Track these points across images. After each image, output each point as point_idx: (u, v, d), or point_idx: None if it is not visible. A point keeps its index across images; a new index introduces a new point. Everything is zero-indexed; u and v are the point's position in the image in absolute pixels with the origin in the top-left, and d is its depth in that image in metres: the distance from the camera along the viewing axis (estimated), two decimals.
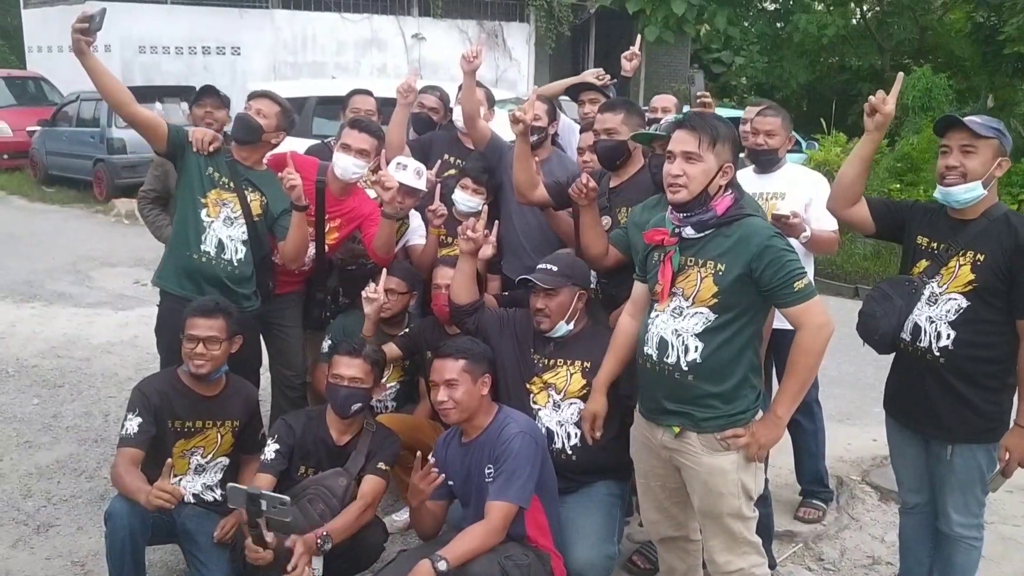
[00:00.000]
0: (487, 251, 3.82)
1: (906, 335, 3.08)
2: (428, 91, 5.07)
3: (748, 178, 4.01)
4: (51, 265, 9.34)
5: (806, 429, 4.15)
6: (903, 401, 3.21)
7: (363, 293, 3.92)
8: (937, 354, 3.01)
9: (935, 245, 3.07)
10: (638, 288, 3.13)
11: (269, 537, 3.02)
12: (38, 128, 14.70)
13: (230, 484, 3.05)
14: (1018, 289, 2.89)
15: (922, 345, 3.04)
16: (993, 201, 3.02)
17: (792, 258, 2.76)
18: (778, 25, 20.26)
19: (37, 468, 4.68)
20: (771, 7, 20.72)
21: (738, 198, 2.85)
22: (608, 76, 4.81)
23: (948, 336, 2.98)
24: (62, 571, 3.77)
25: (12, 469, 4.66)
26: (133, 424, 3.34)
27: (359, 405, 3.46)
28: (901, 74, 3.17)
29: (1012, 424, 3.01)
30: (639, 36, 5.30)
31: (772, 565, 3.47)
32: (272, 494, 2.91)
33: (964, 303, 2.96)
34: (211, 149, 3.87)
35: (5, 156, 15.75)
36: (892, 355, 3.24)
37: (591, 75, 4.75)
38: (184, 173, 3.88)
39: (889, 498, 4.15)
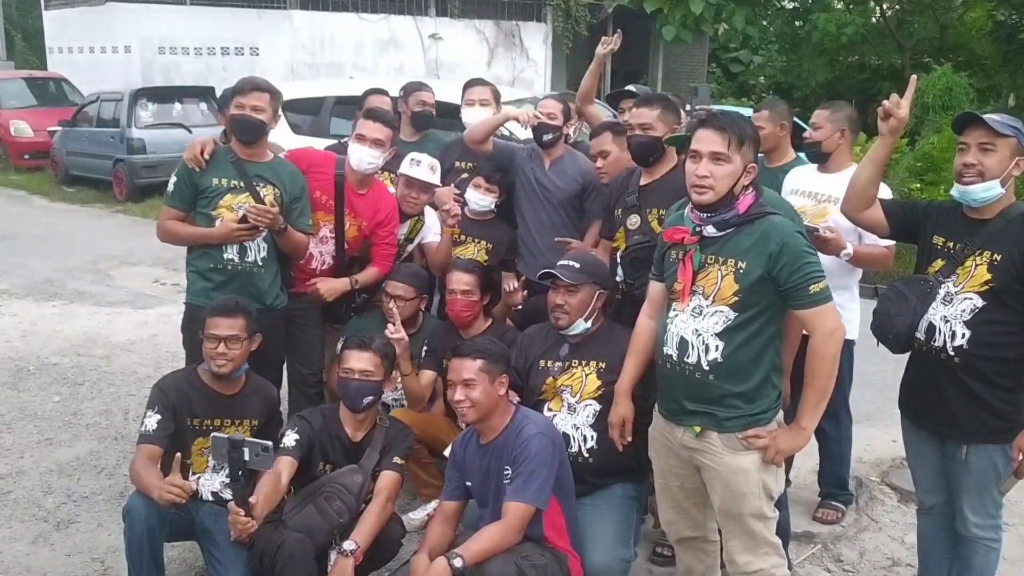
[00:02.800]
0: (516, 299, 4.18)
1: (920, 334, 3.05)
2: (423, 88, 5.09)
3: (809, 176, 3.99)
4: (72, 264, 9.40)
5: (830, 435, 4.12)
6: (918, 401, 3.17)
7: (386, 333, 3.89)
8: (952, 353, 2.97)
9: (951, 245, 3.03)
10: (655, 288, 3.11)
11: (253, 499, 3.02)
12: (59, 128, 14.78)
13: (213, 435, 3.03)
14: None
15: (936, 344, 3.01)
16: (1011, 200, 2.99)
17: (811, 260, 2.73)
18: (797, 24, 20.17)
19: (57, 465, 4.71)
20: (790, 6, 20.64)
21: (759, 195, 2.83)
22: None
23: (963, 336, 2.94)
24: (82, 567, 3.79)
25: (33, 466, 4.69)
26: (152, 421, 3.36)
27: (371, 398, 3.47)
28: (914, 77, 3.14)
29: None
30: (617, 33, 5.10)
31: (789, 566, 3.45)
32: (255, 440, 2.91)
33: (980, 303, 2.92)
34: (206, 157, 3.83)
35: (26, 156, 15.85)
36: (908, 358, 3.21)
37: (602, 50, 4.67)
38: (198, 197, 3.87)
39: (909, 499, 4.12)
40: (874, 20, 19.29)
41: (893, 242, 3.61)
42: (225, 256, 3.83)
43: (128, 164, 13.20)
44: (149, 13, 16.10)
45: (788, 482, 4.16)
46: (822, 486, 4.34)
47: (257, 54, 17.01)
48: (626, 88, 4.72)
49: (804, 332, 2.95)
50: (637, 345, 3.19)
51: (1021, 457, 2.95)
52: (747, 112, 5.08)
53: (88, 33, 17.31)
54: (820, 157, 3.98)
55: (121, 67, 16.26)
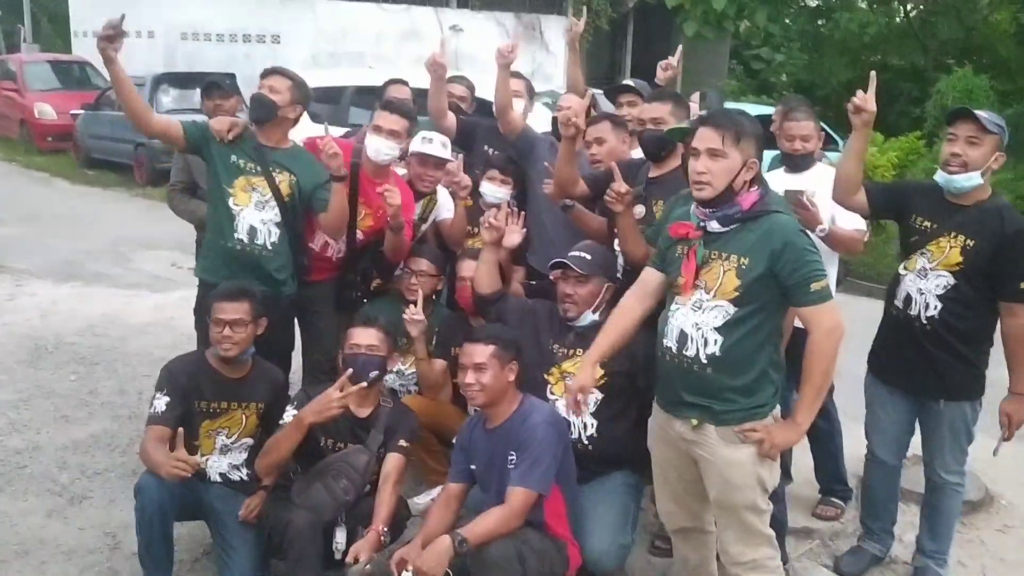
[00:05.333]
0: (514, 239, 3.89)
1: (899, 303, 3.47)
2: (456, 81, 5.13)
3: (778, 178, 4.02)
4: (91, 246, 9.53)
5: (823, 429, 4.15)
6: (894, 362, 3.55)
7: (404, 316, 3.98)
8: (925, 322, 3.39)
9: (928, 224, 3.40)
10: (648, 273, 3.12)
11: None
12: (81, 112, 14.95)
13: None
14: (1001, 274, 3.27)
15: (912, 313, 3.41)
16: (987, 193, 3.36)
17: (812, 258, 2.77)
18: (819, 22, 20.05)
19: (72, 442, 4.81)
20: (813, 4, 20.50)
21: (764, 194, 2.87)
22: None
23: (935, 307, 3.35)
24: (94, 541, 3.88)
25: (49, 442, 4.79)
26: (161, 403, 3.43)
27: (376, 372, 3.55)
28: (874, 73, 3.43)
29: (1009, 393, 3.37)
30: (679, 47, 5.25)
31: (785, 560, 3.50)
32: None
33: (952, 281, 3.32)
34: (231, 137, 3.91)
35: (49, 139, 16.04)
36: (881, 323, 3.65)
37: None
38: (210, 164, 3.95)
39: (908, 498, 4.15)
40: (898, 20, 19.16)
41: (864, 227, 3.94)
42: (236, 235, 3.90)
43: (148, 149, 13.30)
44: None
45: (790, 479, 4.22)
46: (820, 483, 4.36)
47: (279, 42, 17.10)
48: (624, 83, 4.75)
49: (798, 325, 3.00)
50: (614, 321, 3.13)
51: (1008, 422, 3.38)
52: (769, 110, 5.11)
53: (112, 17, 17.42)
54: (806, 165, 4.04)
55: (145, 52, 16.41)
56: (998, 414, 3.42)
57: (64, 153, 15.71)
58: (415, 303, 4.02)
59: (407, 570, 3.07)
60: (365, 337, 3.57)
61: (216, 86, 5.02)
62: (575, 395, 3.08)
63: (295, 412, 3.48)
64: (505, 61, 4.39)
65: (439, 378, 4.16)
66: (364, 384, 3.46)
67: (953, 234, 3.32)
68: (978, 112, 3.29)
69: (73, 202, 12.47)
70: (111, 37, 3.58)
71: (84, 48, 18.97)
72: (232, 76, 13.63)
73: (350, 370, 3.45)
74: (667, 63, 4.86)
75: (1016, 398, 3.36)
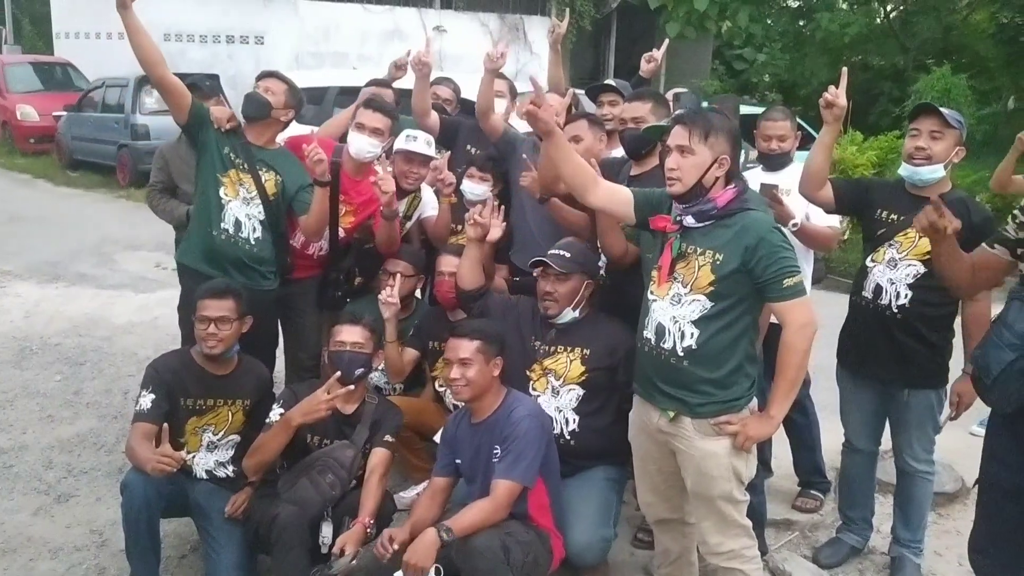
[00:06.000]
0: (495, 233, 3.88)
1: (868, 294, 3.54)
2: (442, 83, 5.18)
3: (756, 176, 4.09)
4: (75, 247, 9.52)
5: (799, 423, 4.23)
6: (862, 352, 3.63)
7: (380, 297, 4.03)
8: (895, 311, 3.47)
9: (894, 217, 3.52)
10: (625, 191, 3.14)
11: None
12: (64, 113, 14.89)
13: None
14: None
15: (883, 303, 3.50)
16: (949, 186, 3.49)
17: (786, 255, 2.83)
18: (800, 23, 20.18)
19: (59, 441, 4.83)
20: (794, 4, 20.64)
21: (741, 191, 2.93)
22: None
23: (906, 296, 3.45)
24: (81, 539, 3.91)
25: (35, 441, 4.81)
26: (147, 400, 3.46)
27: (362, 370, 3.59)
28: (845, 69, 3.49)
29: (962, 373, 3.38)
30: (665, 41, 5.31)
31: (764, 551, 3.56)
32: None
33: (922, 269, 3.41)
34: (228, 127, 3.98)
35: (32, 140, 15.98)
36: (848, 315, 3.71)
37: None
38: (204, 151, 4.00)
39: (886, 490, 4.22)
40: (878, 20, 19.32)
41: (837, 224, 4.03)
42: (222, 225, 3.95)
43: (132, 150, 13.30)
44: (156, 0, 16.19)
45: (770, 472, 4.28)
46: (799, 475, 4.44)
47: (262, 43, 17.04)
48: (605, 83, 4.82)
49: (775, 320, 3.06)
50: (574, 157, 3.14)
51: (958, 399, 3.43)
52: (757, 110, 5.17)
53: (94, 18, 17.33)
54: (781, 164, 4.13)
55: (127, 53, 16.10)
56: (949, 393, 3.51)
57: (47, 155, 15.64)
58: (391, 287, 4.06)
59: (394, 546, 3.14)
60: (351, 335, 3.61)
61: (195, 87, 5.05)
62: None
63: (282, 411, 3.51)
64: (494, 66, 4.42)
65: (405, 366, 4.20)
66: (351, 386, 3.51)
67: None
68: (941, 109, 3.42)
69: (56, 203, 12.43)
70: None
71: (66, 49, 18.88)
72: (215, 77, 13.63)
73: (338, 372, 3.49)
74: (650, 55, 4.95)
75: (967, 378, 3.30)
